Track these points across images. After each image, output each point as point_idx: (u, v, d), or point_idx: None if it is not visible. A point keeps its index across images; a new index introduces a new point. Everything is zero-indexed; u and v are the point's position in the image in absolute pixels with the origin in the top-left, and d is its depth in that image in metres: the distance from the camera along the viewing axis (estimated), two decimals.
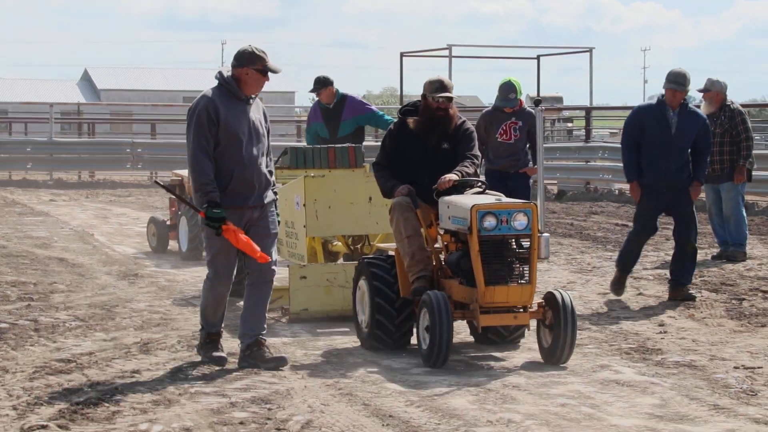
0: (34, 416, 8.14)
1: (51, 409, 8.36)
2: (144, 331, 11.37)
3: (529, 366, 9.96)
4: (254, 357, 9.69)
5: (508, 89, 14.73)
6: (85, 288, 14.08)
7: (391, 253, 10.56)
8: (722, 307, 12.63)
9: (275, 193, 9.94)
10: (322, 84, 16.24)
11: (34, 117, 45.48)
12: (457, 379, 9.44)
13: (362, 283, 10.58)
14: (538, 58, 36.77)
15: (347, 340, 10.99)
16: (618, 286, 13.32)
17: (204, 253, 10.13)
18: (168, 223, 17.72)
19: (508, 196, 10.49)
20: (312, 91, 16.39)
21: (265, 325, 9.88)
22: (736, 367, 9.93)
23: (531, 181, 15.23)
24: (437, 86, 10.46)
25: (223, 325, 10.06)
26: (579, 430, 7.89)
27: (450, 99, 10.52)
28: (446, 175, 10.20)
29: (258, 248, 9.53)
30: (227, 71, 9.73)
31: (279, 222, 10.04)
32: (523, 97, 14.98)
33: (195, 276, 15.15)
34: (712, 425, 8.07)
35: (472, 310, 9.85)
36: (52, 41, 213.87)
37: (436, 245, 10.52)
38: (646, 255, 17.18)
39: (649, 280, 14.62)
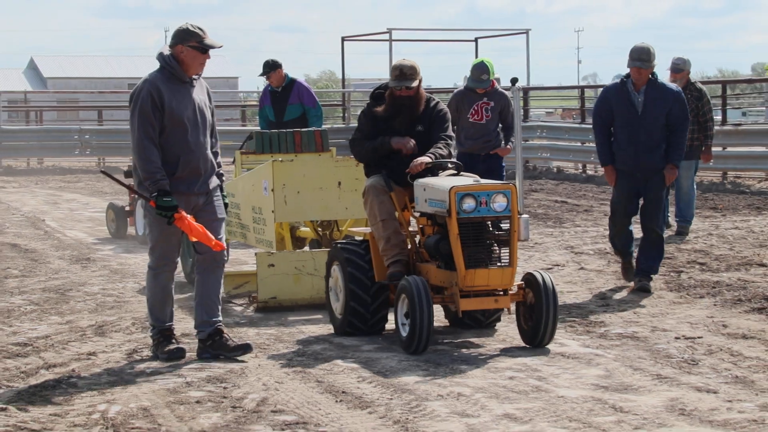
0: None
1: (9, 392, 8.32)
2: (98, 314, 11.31)
3: (476, 341, 9.98)
4: (217, 347, 9.28)
5: (480, 70, 14.50)
6: (39, 273, 13.99)
7: (364, 237, 10.32)
8: (662, 279, 12.71)
9: (221, 176, 9.64)
10: (270, 67, 16.27)
11: None
12: (407, 355, 9.44)
13: (335, 269, 10.24)
14: (476, 40, 36.81)
15: (298, 319, 10.97)
16: (627, 272, 12.44)
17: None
18: (127, 208, 17.57)
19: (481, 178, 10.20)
20: (261, 74, 16.38)
21: (220, 312, 9.51)
22: (677, 338, 10.00)
23: (503, 162, 14.95)
24: (397, 74, 10.14)
25: (173, 322, 9.59)
26: (527, 402, 7.92)
27: (410, 89, 10.16)
28: (418, 158, 9.92)
29: (213, 236, 9.15)
30: (167, 51, 9.28)
31: (227, 204, 9.75)
32: (494, 78, 14.74)
33: (147, 259, 15.06)
34: (655, 394, 8.12)
35: (451, 295, 9.55)
36: None
37: (411, 228, 10.24)
38: (586, 230, 17.31)
39: (590, 255, 14.71)
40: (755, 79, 50.98)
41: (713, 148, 16.32)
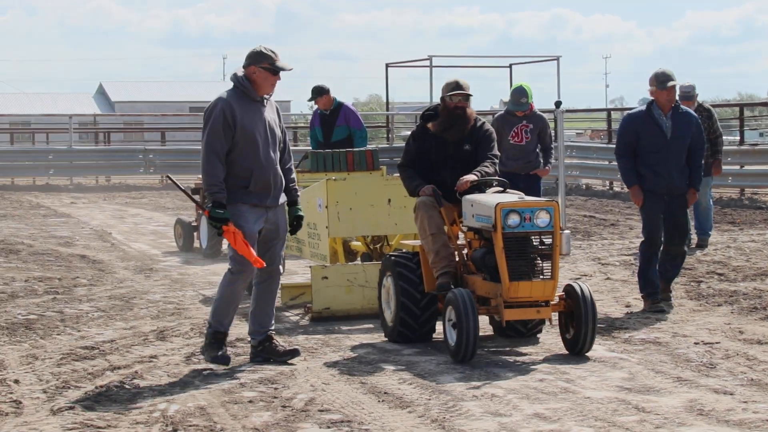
0: (62, 399, 8.14)
1: (77, 392, 8.36)
2: (160, 320, 11.35)
3: (509, 346, 9.96)
4: (267, 352, 9.26)
5: (519, 94, 14.38)
6: (105, 282, 14.05)
7: (414, 250, 10.18)
8: (682, 289, 12.64)
9: (296, 190, 9.52)
10: (318, 93, 16.32)
11: (54, 127, 45.37)
12: (445, 359, 9.42)
13: (387, 280, 10.15)
14: (510, 66, 36.71)
15: (345, 327, 10.97)
16: (655, 309, 11.42)
17: (226, 250, 9.56)
18: (193, 224, 17.59)
19: None
20: (310, 99, 16.44)
21: (273, 321, 9.47)
22: (696, 343, 9.94)
23: (541, 182, 14.80)
24: (453, 86, 10.06)
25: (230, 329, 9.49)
26: (556, 402, 7.90)
27: (467, 97, 10.11)
28: (465, 176, 9.81)
29: (254, 253, 8.98)
30: (241, 72, 9.21)
31: (302, 216, 9.59)
32: (533, 102, 14.64)
33: (205, 270, 15.16)
34: (676, 396, 8.08)
35: (495, 305, 9.42)
36: (69, 59, 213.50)
37: (459, 242, 10.07)
38: (613, 243, 17.23)
39: (616, 266, 14.64)
40: None
41: (731, 167, 16.23)
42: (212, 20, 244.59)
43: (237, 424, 7.47)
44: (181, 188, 9.74)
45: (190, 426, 7.41)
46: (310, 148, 16.98)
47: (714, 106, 17.11)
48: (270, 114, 9.25)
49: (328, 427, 7.36)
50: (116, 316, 11.54)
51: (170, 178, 9.80)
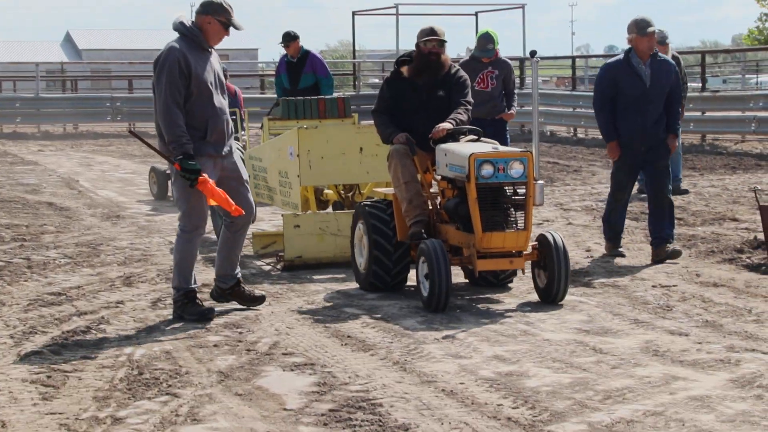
0: (30, 344, 8.17)
1: (44, 337, 8.39)
2: (126, 266, 11.37)
3: (471, 290, 10.04)
4: (236, 296, 9.22)
5: (486, 40, 14.28)
6: (73, 229, 14.05)
7: (388, 198, 10.07)
8: (642, 233, 12.74)
9: (237, 139, 9.32)
10: (291, 38, 16.29)
11: (21, 75, 45.06)
12: (408, 303, 9.50)
13: (360, 227, 10.05)
14: (476, 14, 36.71)
15: (310, 273, 11.02)
16: (614, 254, 11.52)
17: (175, 203, 9.29)
18: (167, 172, 17.52)
19: None
20: (281, 43, 16.39)
21: (238, 268, 9.33)
22: (653, 286, 10.05)
23: (507, 126, 14.70)
24: (427, 32, 9.94)
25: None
26: (515, 345, 7.98)
27: (441, 43, 9.97)
28: (440, 125, 9.67)
29: (232, 202, 8.82)
30: (187, 21, 8.89)
31: (244, 158, 9.35)
32: (499, 48, 14.49)
33: (172, 218, 15.15)
34: (632, 337, 8.19)
35: (468, 256, 9.32)
36: (36, 6, 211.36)
37: (432, 191, 9.98)
38: (575, 189, 17.35)
39: (578, 211, 14.75)
40: (733, 50, 50.78)
41: (693, 113, 16.34)
42: None
43: (202, 367, 7.52)
44: (145, 142, 9.51)
45: (156, 369, 7.45)
46: (276, 95, 16.93)
47: (678, 53, 17.17)
48: (215, 63, 9.02)
49: (292, 370, 7.41)
50: (83, 263, 11.55)
51: (132, 133, 9.63)
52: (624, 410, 6.43)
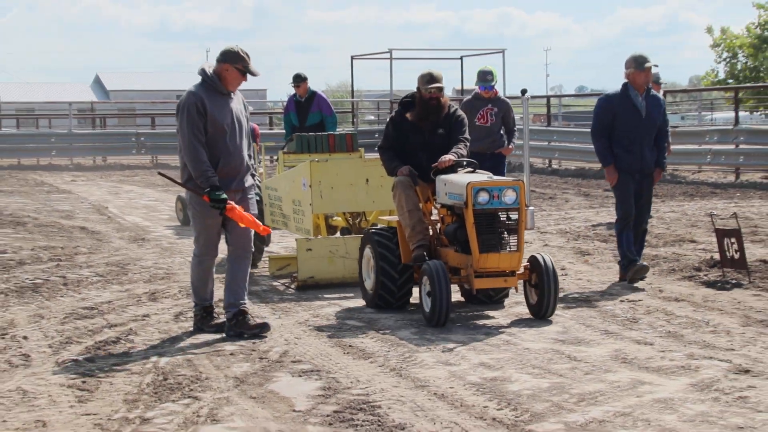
0: (66, 353, 8.18)
1: (79, 346, 8.40)
2: (151, 283, 11.38)
3: (464, 307, 10.04)
4: (239, 325, 8.77)
5: (485, 73, 14.14)
6: (103, 250, 14.05)
7: (389, 225, 10.01)
8: (610, 253, 12.77)
9: (253, 176, 9.34)
10: (301, 79, 16.33)
11: (56, 114, 45.11)
12: (402, 315, 9.51)
13: (368, 251, 9.92)
14: (461, 58, 36.78)
15: (317, 291, 11.02)
16: (635, 277, 10.84)
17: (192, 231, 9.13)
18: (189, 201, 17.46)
19: None
20: (292, 83, 16.39)
21: (246, 295, 9.01)
22: (621, 301, 10.06)
23: (506, 160, 14.52)
24: (428, 79, 9.84)
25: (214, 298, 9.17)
26: (499, 353, 7.99)
27: (440, 89, 9.87)
28: (445, 156, 9.60)
29: (260, 223, 8.77)
30: (209, 67, 8.81)
31: (261, 200, 9.24)
32: (497, 85, 14.32)
33: (191, 240, 15.14)
34: (603, 346, 8.20)
35: (467, 275, 9.24)
36: (68, 51, 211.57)
37: (433, 218, 9.91)
38: (551, 214, 17.37)
39: (553, 234, 14.76)
40: (690, 89, 50.87)
41: None
42: (195, 16, 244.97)
43: (220, 373, 7.53)
44: (174, 181, 9.31)
45: (179, 375, 7.46)
46: (284, 131, 16.96)
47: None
48: (237, 105, 8.92)
49: (300, 376, 7.42)
50: (113, 280, 11.56)
51: (162, 174, 9.50)
52: (596, 411, 6.44)
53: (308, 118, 16.40)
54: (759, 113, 46.02)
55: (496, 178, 9.48)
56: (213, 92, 8.75)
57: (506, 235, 9.17)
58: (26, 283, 11.33)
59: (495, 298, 10.04)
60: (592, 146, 11.26)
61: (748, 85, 41.01)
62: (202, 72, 8.84)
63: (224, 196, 8.60)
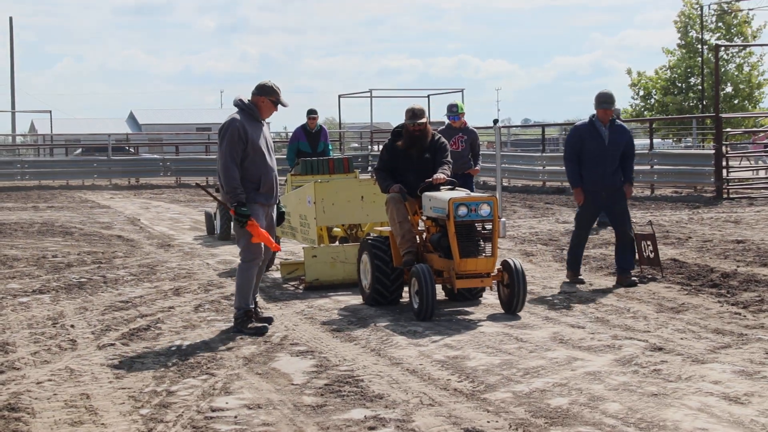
0: (106, 338, 8.14)
1: (116, 333, 8.37)
2: (176, 281, 11.32)
3: (442, 303, 9.99)
4: (243, 324, 8.41)
5: (452, 105, 13.75)
6: (136, 254, 13.99)
7: (381, 234, 9.85)
8: (550, 254, 12.79)
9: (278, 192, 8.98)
10: (315, 113, 16.32)
11: (97, 143, 44.92)
12: (382, 309, 9.44)
13: (365, 257, 9.72)
14: (428, 96, 36.86)
15: (315, 290, 10.99)
16: (574, 282, 10.76)
17: (237, 241, 8.63)
18: (214, 214, 17.32)
19: None
20: (308, 115, 16.31)
21: (254, 297, 8.63)
22: (559, 293, 10.08)
23: (474, 179, 14.12)
24: (410, 115, 9.66)
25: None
26: (460, 336, 7.94)
27: (422, 124, 9.67)
28: (439, 174, 9.45)
29: (273, 241, 8.46)
30: (246, 99, 8.53)
31: (284, 212, 9.08)
32: (464, 116, 13.79)
33: (208, 246, 15.13)
34: (544, 329, 8.21)
35: (449, 277, 9.07)
36: (107, 92, 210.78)
37: (420, 228, 9.75)
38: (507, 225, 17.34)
39: (503, 239, 14.75)
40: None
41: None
42: (212, 64, 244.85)
43: (231, 354, 7.51)
44: (208, 192, 9.24)
45: (198, 356, 7.43)
46: (286, 157, 16.86)
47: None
48: (267, 132, 8.74)
49: (297, 356, 7.40)
50: (144, 279, 11.51)
51: (199, 185, 9.27)
52: (538, 382, 6.45)
53: (318, 146, 16.39)
54: (669, 140, 46.39)
55: (473, 194, 9.34)
56: (251, 120, 8.46)
57: (482, 243, 9.05)
58: (73, 282, 11.26)
59: (473, 296, 9.87)
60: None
61: (660, 117, 41.28)
62: (240, 102, 8.52)
63: (248, 212, 8.26)
